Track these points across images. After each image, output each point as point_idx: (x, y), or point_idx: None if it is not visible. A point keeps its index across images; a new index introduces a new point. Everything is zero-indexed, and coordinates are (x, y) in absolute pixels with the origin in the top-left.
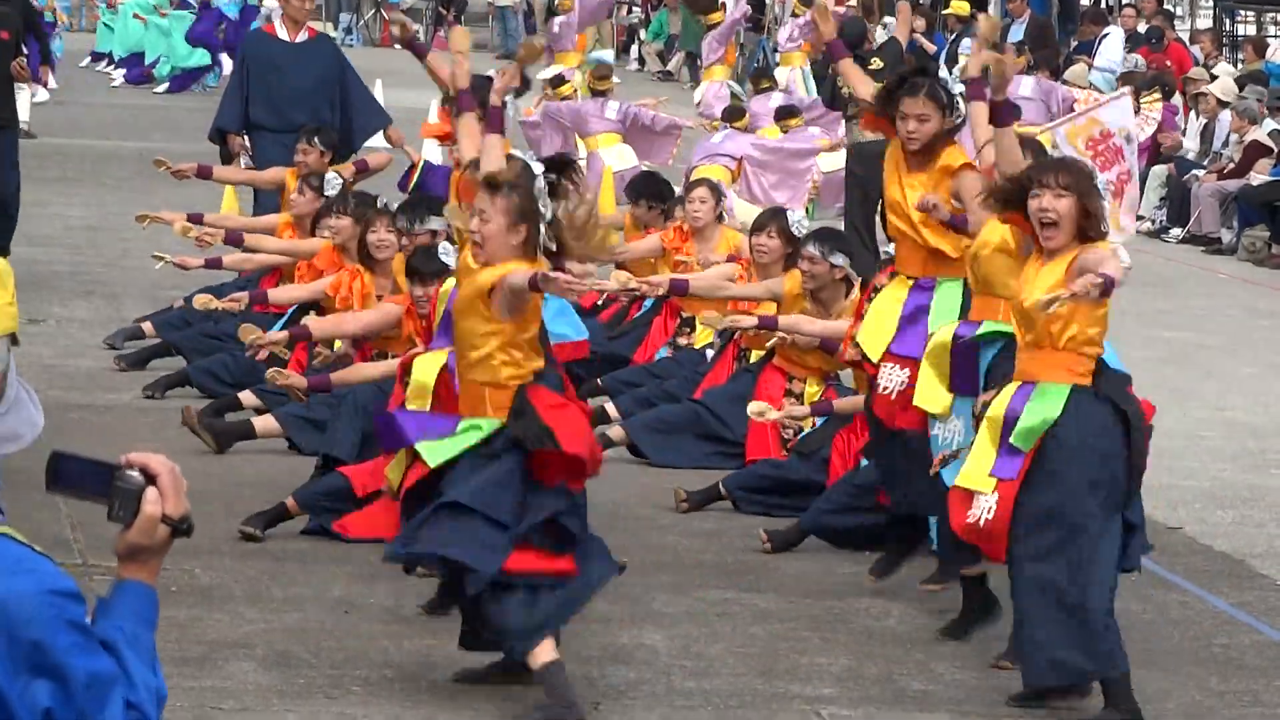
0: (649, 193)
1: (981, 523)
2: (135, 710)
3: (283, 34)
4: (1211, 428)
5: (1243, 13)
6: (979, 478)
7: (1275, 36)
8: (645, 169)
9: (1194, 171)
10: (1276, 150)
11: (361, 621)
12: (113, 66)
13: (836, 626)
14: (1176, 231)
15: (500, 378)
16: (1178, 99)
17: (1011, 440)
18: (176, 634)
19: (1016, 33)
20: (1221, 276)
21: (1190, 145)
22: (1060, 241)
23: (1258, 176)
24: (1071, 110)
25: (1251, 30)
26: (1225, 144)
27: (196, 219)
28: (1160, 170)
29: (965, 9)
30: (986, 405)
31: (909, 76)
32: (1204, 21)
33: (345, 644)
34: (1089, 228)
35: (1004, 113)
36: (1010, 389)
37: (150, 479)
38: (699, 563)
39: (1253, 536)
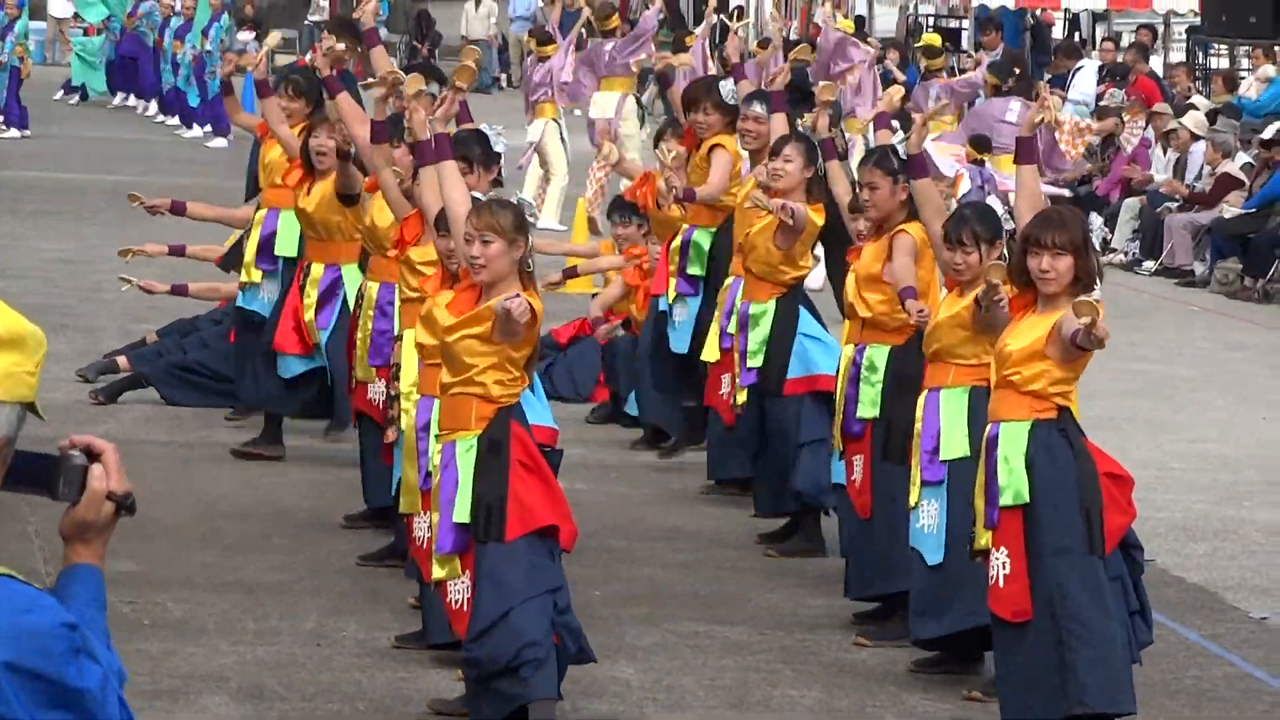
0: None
1: (1001, 582)
2: (121, 704)
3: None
4: (1184, 460)
5: (1216, 46)
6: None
7: (1248, 70)
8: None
9: (1167, 204)
10: (1248, 183)
11: (334, 654)
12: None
13: (808, 659)
14: (1149, 264)
15: (492, 394)
16: (1149, 133)
17: (1002, 503)
18: (149, 667)
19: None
20: (1194, 309)
21: (1161, 178)
22: (1055, 290)
23: (1230, 209)
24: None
25: (1225, 63)
26: (1199, 177)
27: (178, 250)
28: (1133, 203)
29: (937, 42)
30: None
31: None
32: (1177, 55)
33: (318, 677)
34: (1080, 287)
35: (918, 168)
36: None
37: (93, 457)
38: (671, 595)
39: (1225, 569)
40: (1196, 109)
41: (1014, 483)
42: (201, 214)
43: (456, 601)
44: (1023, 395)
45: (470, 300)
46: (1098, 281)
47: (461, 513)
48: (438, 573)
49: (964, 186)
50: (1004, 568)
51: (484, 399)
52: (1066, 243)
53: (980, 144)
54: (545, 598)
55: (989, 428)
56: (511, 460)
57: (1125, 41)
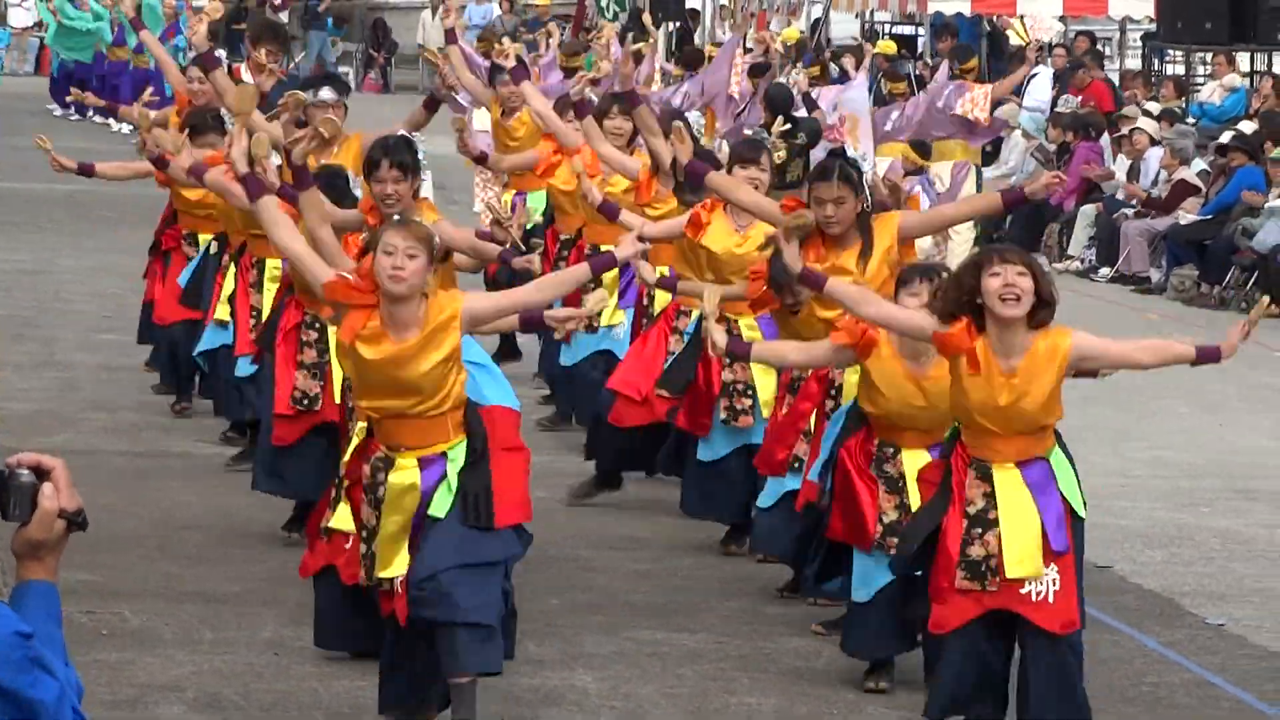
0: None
1: (1051, 598)
2: (78, 716)
3: (247, 78)
4: (1143, 467)
5: (1171, 52)
6: (1030, 563)
7: (1206, 77)
8: None
9: (1123, 210)
10: (1205, 189)
11: (291, 663)
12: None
13: (766, 666)
14: (1105, 271)
15: (461, 399)
16: (1104, 140)
17: (1076, 513)
18: (107, 677)
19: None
20: (1151, 316)
21: (1117, 182)
22: (1019, 313)
23: (1186, 215)
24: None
25: (1181, 70)
26: (1155, 183)
27: (87, 169)
28: (1089, 210)
29: (892, 49)
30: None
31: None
32: (1133, 61)
33: (275, 686)
34: (1043, 314)
35: (814, 281)
36: (1012, 477)
37: (42, 476)
38: (629, 604)
39: (1183, 575)
40: (1150, 114)
41: (1074, 498)
42: (112, 173)
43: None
44: (1047, 429)
45: (378, 327)
46: (1055, 301)
47: (439, 507)
48: (392, 571)
49: (924, 203)
50: (1054, 584)
51: (455, 407)
52: (1028, 264)
53: (921, 149)
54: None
55: (1019, 471)
56: (492, 450)
57: (1081, 49)
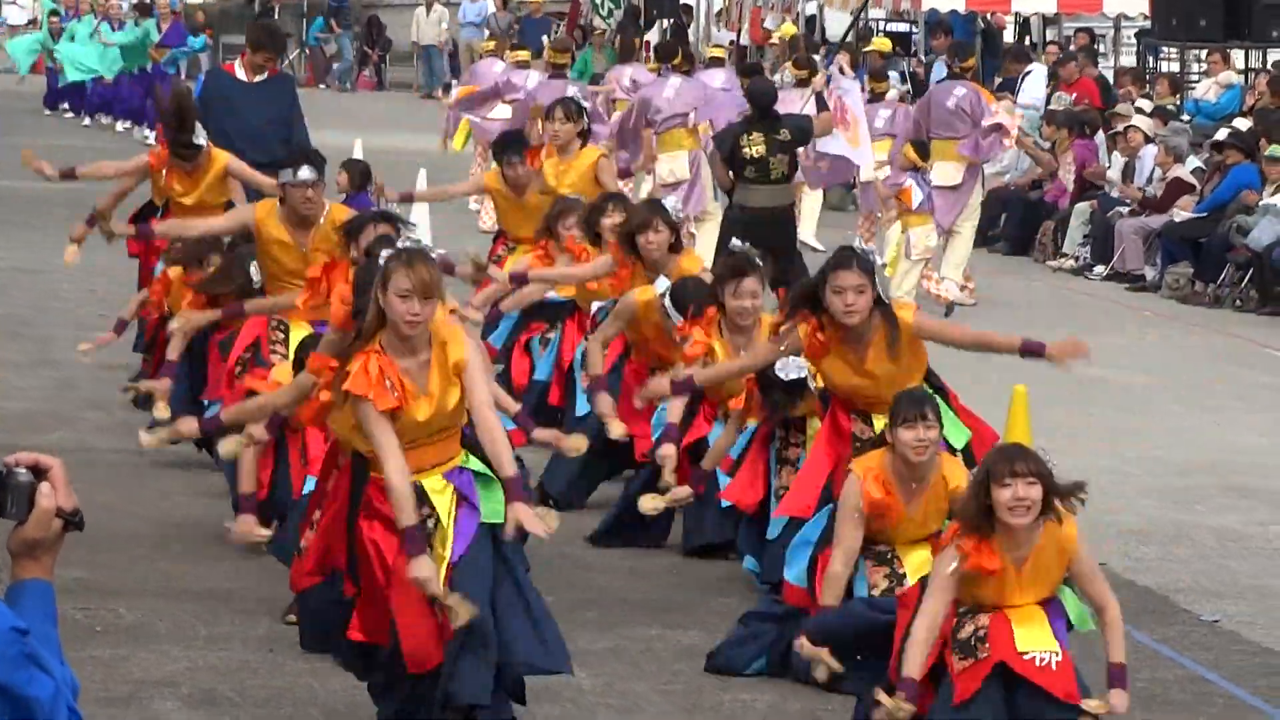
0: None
1: (1054, 666)
2: (74, 714)
3: (241, 74)
4: (1136, 464)
5: (1166, 49)
6: (1044, 640)
7: (1200, 74)
8: None
9: (1118, 208)
10: (1199, 187)
11: (286, 660)
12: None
13: None
14: (1100, 268)
15: (462, 420)
16: (1100, 136)
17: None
18: (102, 673)
19: (940, 70)
20: (1146, 314)
21: (1112, 179)
22: (1027, 521)
23: (1180, 213)
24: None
25: (1175, 67)
26: (1149, 180)
27: (69, 174)
28: (1084, 207)
29: (887, 46)
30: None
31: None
32: (1128, 59)
33: (270, 682)
34: (1052, 508)
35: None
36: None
37: (39, 474)
38: (623, 600)
39: (1176, 572)
40: (1143, 111)
41: (1079, 613)
42: (96, 173)
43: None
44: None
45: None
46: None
47: (494, 513)
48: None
49: (917, 196)
50: (1057, 657)
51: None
52: (1037, 471)
53: (921, 149)
54: None
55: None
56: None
57: (1073, 46)
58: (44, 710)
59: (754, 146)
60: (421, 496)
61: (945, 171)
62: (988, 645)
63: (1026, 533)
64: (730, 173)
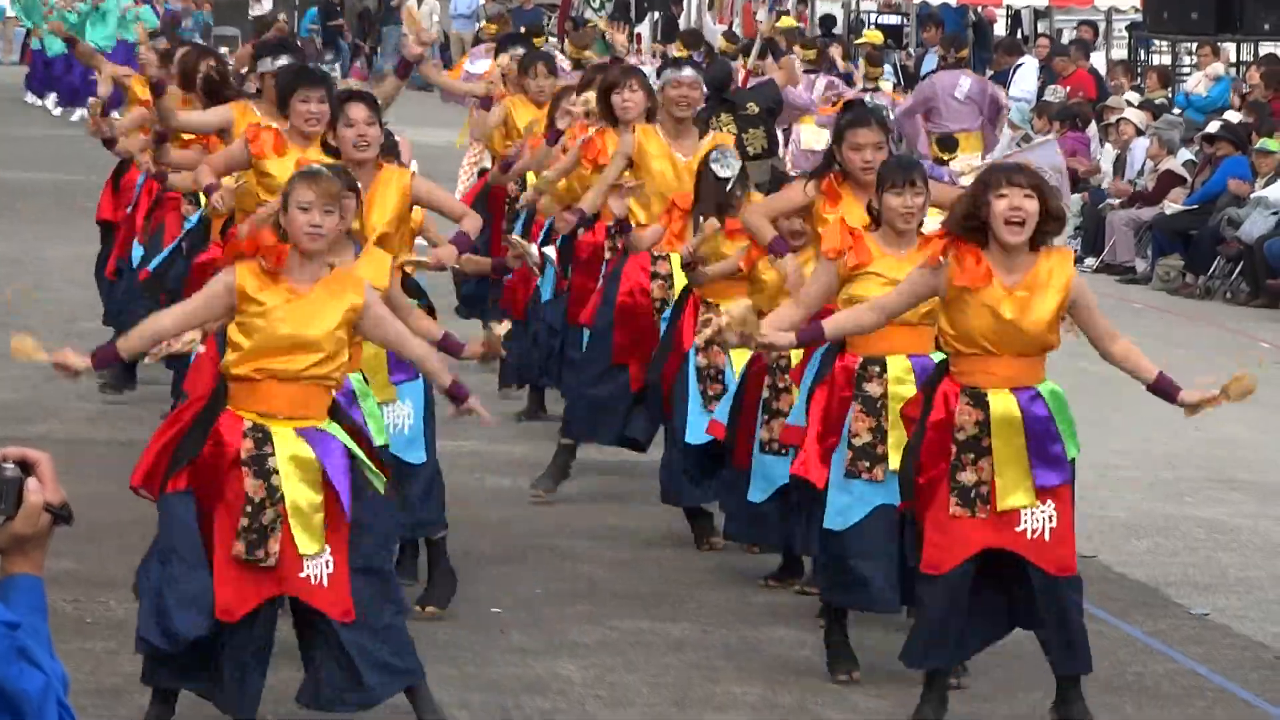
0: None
1: (1048, 535)
2: (64, 709)
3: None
4: (1126, 458)
5: (1157, 43)
6: (1018, 493)
7: (1192, 68)
8: None
9: (1109, 200)
10: (1190, 180)
11: (275, 653)
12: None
13: (750, 655)
14: (1091, 261)
15: (340, 376)
16: (1092, 129)
17: (1066, 449)
18: (91, 666)
19: (931, 62)
20: (1136, 306)
21: (1104, 171)
22: (1022, 239)
23: (1171, 205)
24: (999, 114)
25: (1167, 60)
26: (1141, 173)
27: (110, 141)
28: (1075, 200)
29: (878, 38)
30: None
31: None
32: (1119, 52)
33: None
34: (1049, 230)
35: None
36: (1006, 401)
37: (27, 469)
38: (613, 593)
39: (1167, 565)
40: (1131, 104)
41: (1068, 436)
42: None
43: (315, 578)
44: (1041, 357)
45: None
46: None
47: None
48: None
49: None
50: (1050, 521)
51: (333, 385)
52: (1035, 185)
53: (946, 144)
54: None
55: (1015, 395)
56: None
57: (1066, 38)
58: (34, 704)
59: (724, 128)
60: (263, 434)
61: (965, 163)
62: (988, 507)
63: (1019, 254)
64: None
